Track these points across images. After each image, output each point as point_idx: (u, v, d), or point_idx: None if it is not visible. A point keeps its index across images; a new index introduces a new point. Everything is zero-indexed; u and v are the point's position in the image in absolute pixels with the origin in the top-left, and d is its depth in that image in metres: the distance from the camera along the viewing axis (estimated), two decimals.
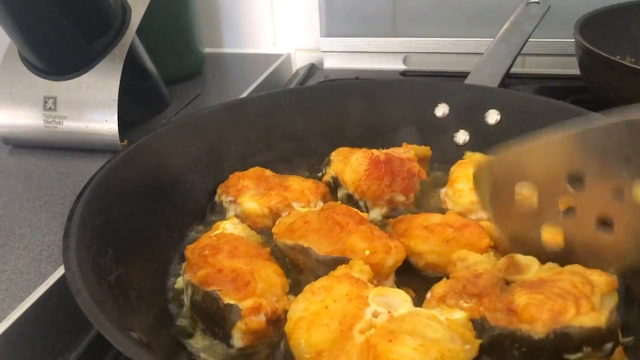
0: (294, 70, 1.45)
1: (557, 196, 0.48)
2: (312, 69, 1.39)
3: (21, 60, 1.04)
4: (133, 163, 0.74)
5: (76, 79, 1.01)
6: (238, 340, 0.58)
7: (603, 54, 0.89)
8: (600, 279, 0.53)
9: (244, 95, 1.19)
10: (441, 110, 0.92)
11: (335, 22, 1.37)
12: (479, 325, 0.51)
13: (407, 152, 0.82)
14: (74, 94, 1.01)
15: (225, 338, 0.58)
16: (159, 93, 1.17)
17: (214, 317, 0.59)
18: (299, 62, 1.47)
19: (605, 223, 0.48)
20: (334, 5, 1.35)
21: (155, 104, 1.17)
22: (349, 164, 0.80)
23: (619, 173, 0.43)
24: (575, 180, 0.46)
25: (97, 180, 0.68)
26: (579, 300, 0.51)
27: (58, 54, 1.01)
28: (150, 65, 1.13)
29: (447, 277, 0.61)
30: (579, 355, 0.49)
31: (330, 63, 1.41)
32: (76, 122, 1.01)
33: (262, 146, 0.90)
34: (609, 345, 0.49)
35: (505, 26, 1.05)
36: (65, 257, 0.56)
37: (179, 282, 0.68)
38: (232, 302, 0.58)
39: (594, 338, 0.48)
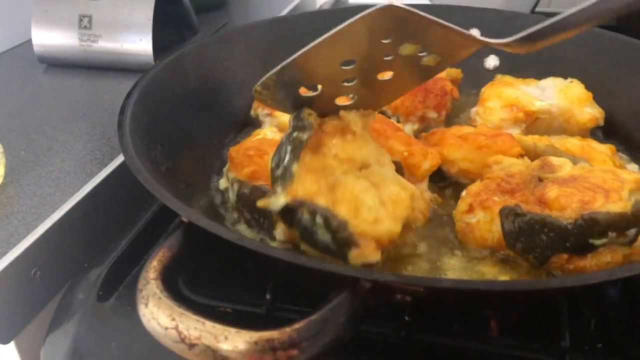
0: (318, 5, 1.46)
1: (337, 80, 0.53)
2: (337, 2, 1.40)
3: None
4: (175, 71, 0.77)
5: None
6: (280, 233, 0.61)
7: None
8: (631, 177, 0.56)
9: None
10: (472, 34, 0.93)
11: None
12: (511, 211, 0.54)
13: None
14: (109, 13, 1.03)
15: (270, 229, 0.62)
16: (189, 19, 1.19)
17: (261, 209, 0.62)
18: None
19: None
20: None
21: (185, 30, 1.19)
22: None
23: (384, 46, 0.50)
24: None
25: (144, 82, 0.71)
26: (608, 192, 0.54)
27: None
28: None
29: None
30: (604, 240, 0.52)
31: None
32: (111, 41, 1.03)
33: None
34: (632, 231, 0.52)
35: None
36: (121, 143, 0.59)
37: (222, 183, 0.72)
38: None
39: (620, 223, 0.51)
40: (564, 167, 0.59)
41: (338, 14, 1.02)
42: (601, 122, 0.77)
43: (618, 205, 0.52)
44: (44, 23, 1.05)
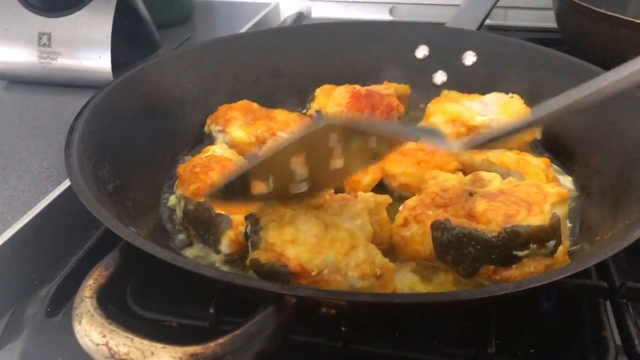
0: (281, 19, 1.48)
1: (289, 177, 0.54)
2: (300, 17, 1.43)
3: None
4: (128, 89, 0.79)
5: (70, 16, 1.04)
6: (226, 247, 0.64)
7: (576, 0, 0.94)
8: (553, 191, 0.59)
9: None
10: (422, 52, 0.96)
11: None
12: (441, 225, 0.57)
13: (387, 88, 0.87)
14: (68, 31, 1.04)
15: (215, 244, 0.64)
16: (150, 35, 1.20)
17: (205, 225, 0.64)
18: (287, 10, 1.50)
19: None
20: None
21: (146, 46, 1.20)
22: (332, 98, 0.85)
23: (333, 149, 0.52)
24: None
25: (95, 102, 0.72)
26: (531, 206, 0.57)
27: None
28: (141, 6, 1.16)
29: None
30: (526, 252, 0.55)
31: (318, 12, 1.44)
32: (70, 59, 1.04)
33: (250, 82, 0.94)
34: (552, 243, 0.55)
35: None
36: (67, 163, 0.61)
37: (172, 200, 0.74)
38: (223, 212, 0.63)
39: (539, 235, 0.55)
40: (494, 182, 0.62)
41: (298, 31, 1.05)
42: (538, 136, 0.81)
43: (538, 218, 0.55)
44: (4, 40, 1.06)
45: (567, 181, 0.75)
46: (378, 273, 0.51)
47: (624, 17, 0.90)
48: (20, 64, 1.06)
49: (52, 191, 0.77)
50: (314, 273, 0.50)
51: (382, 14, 1.40)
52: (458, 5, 1.18)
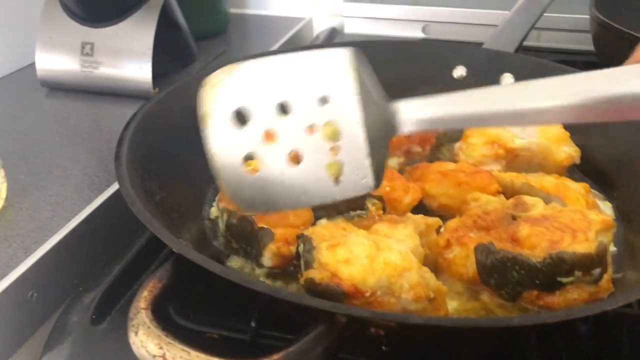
0: (314, 34, 1.50)
1: (265, 123, 0.48)
2: (333, 32, 1.44)
3: (61, 6, 1.09)
4: (173, 102, 0.80)
5: (113, 27, 1.06)
6: (268, 260, 0.65)
7: (615, 24, 0.94)
8: (598, 218, 0.59)
9: None
10: (459, 72, 0.97)
11: None
12: (485, 248, 0.58)
13: None
14: (110, 41, 1.06)
15: (257, 257, 0.65)
16: (188, 47, 1.22)
17: (248, 238, 0.65)
18: (321, 26, 1.52)
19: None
20: None
21: (184, 58, 1.22)
22: None
23: (316, 110, 0.47)
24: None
25: (142, 113, 0.74)
26: (576, 232, 0.57)
27: (97, 1, 1.06)
28: (181, 19, 1.18)
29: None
30: (571, 278, 0.55)
31: (351, 28, 1.46)
32: (111, 68, 1.07)
33: None
34: (597, 271, 0.55)
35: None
36: (118, 174, 0.62)
37: (213, 212, 0.75)
38: (265, 226, 0.65)
39: (585, 263, 0.55)
40: (537, 207, 0.63)
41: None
42: (577, 161, 0.81)
43: (584, 245, 0.56)
44: (48, 48, 1.09)
45: (606, 207, 0.75)
46: (432, 296, 0.52)
47: None
48: (62, 72, 1.09)
49: (96, 199, 0.79)
50: (367, 294, 0.51)
51: (415, 32, 1.41)
52: (492, 25, 1.18)
